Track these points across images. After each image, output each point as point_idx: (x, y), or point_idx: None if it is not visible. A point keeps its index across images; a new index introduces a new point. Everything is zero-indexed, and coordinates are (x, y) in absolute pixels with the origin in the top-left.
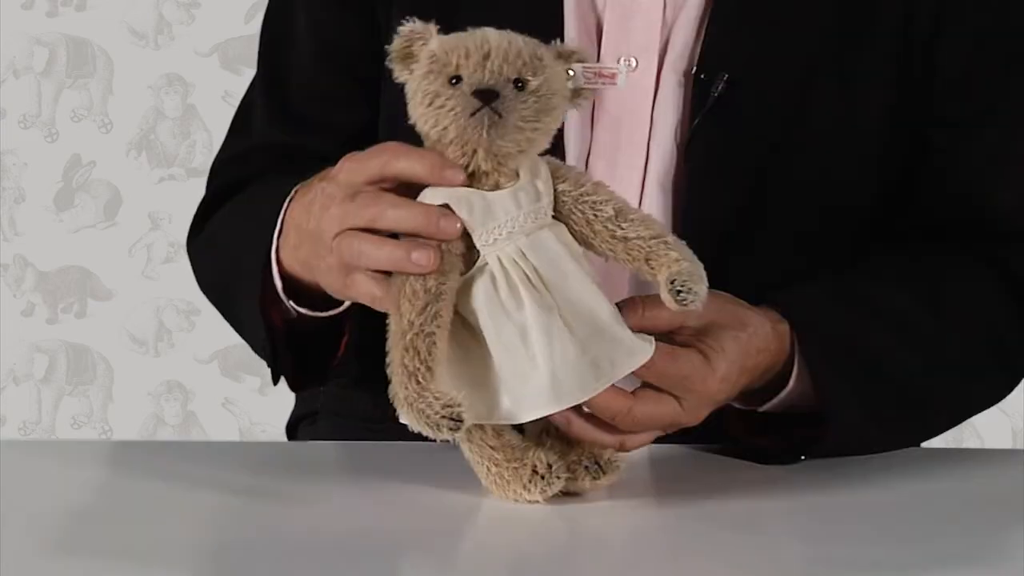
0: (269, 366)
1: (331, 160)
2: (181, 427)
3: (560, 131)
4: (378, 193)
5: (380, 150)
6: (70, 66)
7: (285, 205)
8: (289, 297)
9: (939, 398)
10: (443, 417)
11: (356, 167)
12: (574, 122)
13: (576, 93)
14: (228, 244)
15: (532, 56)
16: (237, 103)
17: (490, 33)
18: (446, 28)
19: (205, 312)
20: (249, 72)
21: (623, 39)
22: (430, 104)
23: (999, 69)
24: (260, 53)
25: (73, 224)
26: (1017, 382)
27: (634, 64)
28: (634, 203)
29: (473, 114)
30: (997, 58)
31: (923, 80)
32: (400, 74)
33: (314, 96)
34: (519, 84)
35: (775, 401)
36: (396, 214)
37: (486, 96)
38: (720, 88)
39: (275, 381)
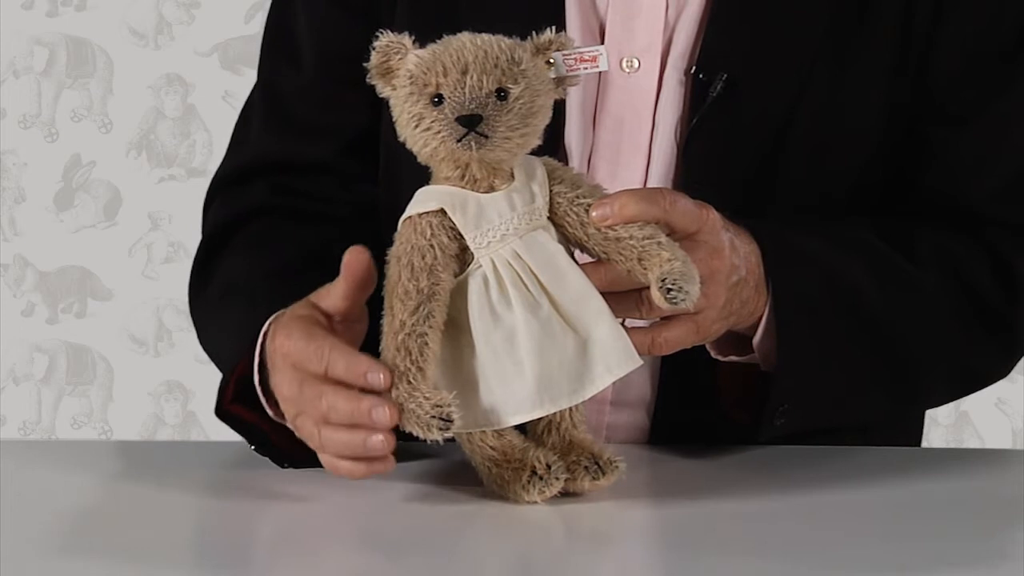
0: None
1: (329, 169)
2: (181, 427)
3: (562, 132)
4: (321, 389)
5: (320, 347)
6: (70, 66)
7: (260, 340)
8: None
9: (907, 336)
10: (433, 417)
11: (301, 358)
12: (576, 123)
13: (560, 81)
14: (216, 351)
15: (509, 62)
16: (237, 103)
17: (466, 43)
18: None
19: None
20: (249, 72)
21: (626, 40)
22: (416, 127)
23: (998, 63)
24: (261, 57)
25: (73, 224)
26: (1009, 350)
27: (636, 65)
28: None
29: (460, 140)
30: (996, 52)
31: (921, 77)
32: (383, 90)
33: (315, 100)
34: (501, 93)
35: (762, 325)
36: (338, 412)
37: (470, 122)
38: (719, 88)
39: (273, 459)
